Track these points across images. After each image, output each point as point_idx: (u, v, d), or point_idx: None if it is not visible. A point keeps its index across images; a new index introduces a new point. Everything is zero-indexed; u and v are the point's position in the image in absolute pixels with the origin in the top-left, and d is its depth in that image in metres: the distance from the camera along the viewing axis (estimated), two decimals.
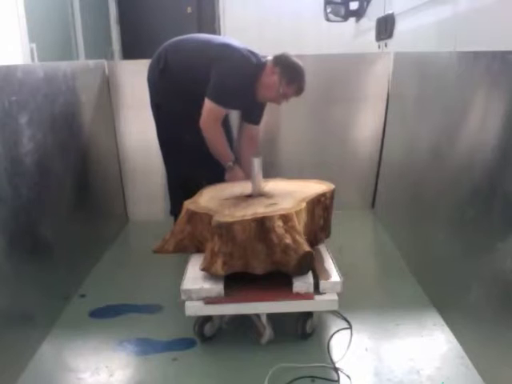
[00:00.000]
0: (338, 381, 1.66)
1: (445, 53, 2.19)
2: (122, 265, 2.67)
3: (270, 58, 2.38)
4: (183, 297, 1.79)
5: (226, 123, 2.52)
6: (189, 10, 6.14)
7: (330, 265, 1.94)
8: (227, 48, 2.35)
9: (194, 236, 1.99)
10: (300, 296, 1.79)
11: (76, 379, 1.72)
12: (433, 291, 2.14)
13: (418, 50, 2.01)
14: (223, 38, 2.54)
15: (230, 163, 2.42)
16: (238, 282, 1.82)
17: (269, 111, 3.07)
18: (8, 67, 1.87)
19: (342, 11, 4.18)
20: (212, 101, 2.28)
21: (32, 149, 1.95)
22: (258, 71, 2.34)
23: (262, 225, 1.77)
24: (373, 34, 3.74)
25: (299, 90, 2.34)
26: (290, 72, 2.31)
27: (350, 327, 1.95)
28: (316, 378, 1.67)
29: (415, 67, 2.67)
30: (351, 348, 1.85)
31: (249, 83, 2.33)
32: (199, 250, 1.98)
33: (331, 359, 1.76)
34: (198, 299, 1.79)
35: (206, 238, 1.91)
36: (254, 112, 2.59)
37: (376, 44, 3.74)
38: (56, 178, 2.19)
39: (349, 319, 2.00)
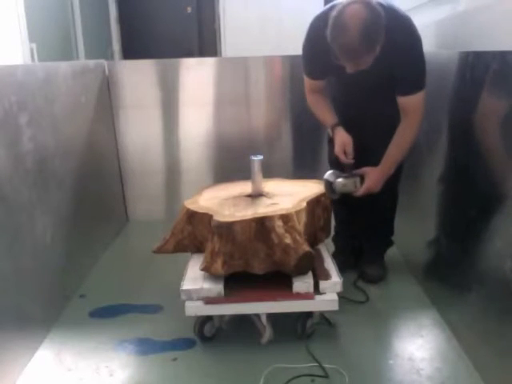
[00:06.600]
0: (337, 381, 1.65)
1: (445, 53, 2.19)
2: (122, 265, 2.68)
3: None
4: (183, 297, 1.79)
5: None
6: (189, 9, 6.12)
7: (329, 265, 1.94)
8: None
9: (194, 236, 1.99)
10: (300, 296, 1.79)
11: (76, 379, 1.72)
12: (433, 291, 2.14)
13: None
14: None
15: (329, 129, 2.26)
16: (237, 282, 1.82)
17: (269, 111, 3.07)
18: (8, 67, 1.88)
19: None
20: None
21: (32, 149, 1.95)
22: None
23: (262, 225, 1.77)
24: None
25: (339, 52, 1.81)
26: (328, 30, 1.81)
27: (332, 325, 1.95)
28: (316, 377, 1.67)
29: None
30: (351, 347, 1.85)
31: (314, 47, 2.05)
32: (199, 250, 1.98)
33: (330, 359, 1.75)
34: (198, 299, 1.79)
35: (206, 238, 1.91)
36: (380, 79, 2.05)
37: None
38: (56, 178, 2.19)
39: (349, 319, 2.00)
